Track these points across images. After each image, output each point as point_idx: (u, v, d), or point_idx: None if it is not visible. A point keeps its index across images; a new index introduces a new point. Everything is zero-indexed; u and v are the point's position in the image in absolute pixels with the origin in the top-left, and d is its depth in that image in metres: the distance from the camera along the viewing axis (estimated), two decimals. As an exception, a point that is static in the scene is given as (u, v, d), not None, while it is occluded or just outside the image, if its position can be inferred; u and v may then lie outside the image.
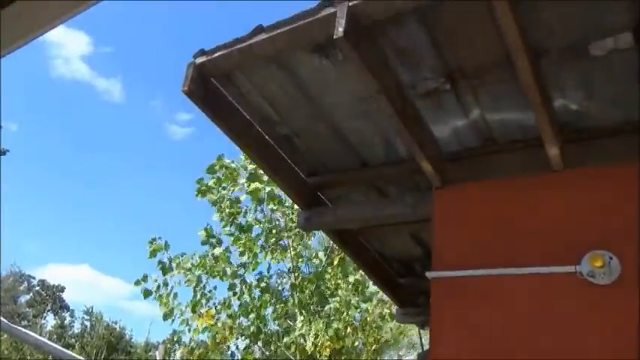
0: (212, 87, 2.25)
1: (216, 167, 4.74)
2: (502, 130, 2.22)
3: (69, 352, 4.55)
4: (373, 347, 3.88)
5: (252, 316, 4.28)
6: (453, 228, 2.25)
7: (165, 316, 4.48)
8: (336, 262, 4.39)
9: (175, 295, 4.70)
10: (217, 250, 4.73)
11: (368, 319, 3.97)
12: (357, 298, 4.09)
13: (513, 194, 2.18)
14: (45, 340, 4.13)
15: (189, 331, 4.42)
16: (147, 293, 4.87)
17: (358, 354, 4.01)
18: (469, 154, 2.34)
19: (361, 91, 2.09)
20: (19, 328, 3.52)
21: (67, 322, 28.89)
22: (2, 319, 3.44)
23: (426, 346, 3.22)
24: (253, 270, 4.52)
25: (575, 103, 2.02)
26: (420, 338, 3.79)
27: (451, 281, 2.15)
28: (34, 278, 34.60)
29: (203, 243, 4.84)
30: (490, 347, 1.99)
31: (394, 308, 4.08)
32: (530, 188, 2.16)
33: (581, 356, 1.82)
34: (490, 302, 2.06)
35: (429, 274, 2.21)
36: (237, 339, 4.54)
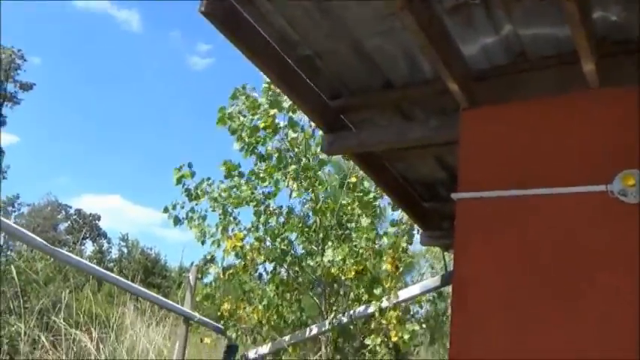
0: (230, 7, 2.17)
1: (238, 94, 4.69)
2: (534, 46, 2.11)
3: (109, 273, 4.82)
4: (401, 269, 3.98)
5: (278, 240, 4.40)
6: (480, 149, 2.21)
7: (198, 239, 4.63)
8: (352, 188, 4.40)
9: (204, 217, 4.82)
10: (239, 181, 4.77)
11: (392, 242, 4.05)
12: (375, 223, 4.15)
13: (544, 114, 2.11)
14: (86, 262, 4.38)
15: (222, 251, 4.56)
16: (176, 220, 5.00)
17: (381, 278, 4.13)
18: (499, 72, 2.25)
19: (384, 6, 1.99)
20: (61, 250, 3.73)
21: (104, 248, 30.41)
22: (45, 243, 3.64)
23: (450, 268, 3.29)
24: (275, 196, 4.58)
25: (614, 14, 1.89)
26: (444, 260, 3.87)
27: (477, 203, 2.14)
28: (70, 207, 36.08)
29: (226, 177, 4.88)
30: (515, 268, 2.01)
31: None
32: (562, 107, 2.09)
33: (607, 269, 1.83)
34: (517, 223, 2.06)
35: (454, 196, 2.20)
36: (264, 262, 4.70)
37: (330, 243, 4.12)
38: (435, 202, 3.42)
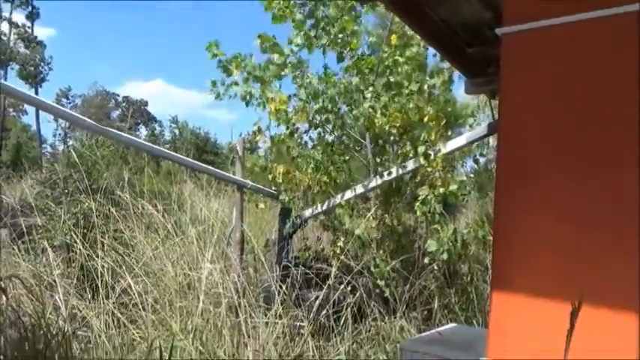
0: None
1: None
2: None
3: (163, 149, 5.04)
4: (443, 121, 3.91)
5: (319, 99, 4.35)
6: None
7: (243, 98, 4.63)
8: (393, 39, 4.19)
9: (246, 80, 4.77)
10: (279, 49, 4.64)
11: (434, 92, 3.92)
12: (417, 73, 3.99)
13: None
14: (139, 139, 4.56)
15: (267, 116, 4.58)
16: (217, 94, 5.01)
17: (427, 130, 4.09)
18: None
19: None
20: (111, 129, 3.90)
21: (157, 132, 31.58)
22: (95, 123, 3.80)
23: (497, 116, 3.19)
24: (309, 52, 4.44)
25: None
26: (491, 108, 3.76)
27: (523, 37, 1.98)
28: (118, 95, 37.02)
29: (262, 51, 4.74)
30: (564, 108, 1.90)
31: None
32: None
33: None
34: (567, 54, 1.90)
35: (499, 31, 2.04)
36: (310, 129, 4.74)
37: (370, 90, 4.02)
38: (480, 46, 3.22)
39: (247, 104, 4.66)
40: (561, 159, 1.88)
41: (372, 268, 4.25)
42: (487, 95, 3.64)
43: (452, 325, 3.25)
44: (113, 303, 3.41)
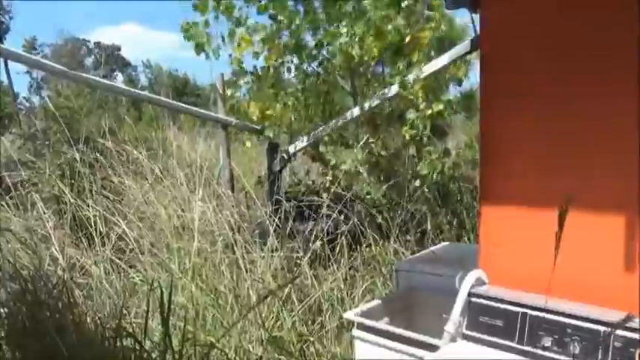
0: None
1: None
2: None
3: (139, 91, 4.91)
4: (426, 41, 3.81)
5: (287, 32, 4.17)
6: None
7: (197, 48, 4.39)
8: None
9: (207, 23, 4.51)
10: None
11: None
12: None
13: None
14: (112, 83, 4.44)
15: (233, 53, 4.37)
16: (189, 36, 4.71)
17: (406, 54, 3.99)
18: None
19: None
20: (84, 74, 3.78)
21: (133, 77, 30.72)
22: (65, 68, 3.67)
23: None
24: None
25: None
26: (472, 22, 3.64)
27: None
28: (88, 41, 35.57)
29: None
30: (549, 18, 1.84)
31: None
32: None
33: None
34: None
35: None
36: (284, 58, 4.58)
37: (343, 24, 3.88)
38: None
39: (207, 57, 4.40)
40: (544, 72, 1.85)
41: (364, 196, 4.31)
42: (469, 10, 3.52)
43: (444, 244, 3.35)
44: (110, 250, 3.46)
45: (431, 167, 4.17)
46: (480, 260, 2.02)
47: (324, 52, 4.32)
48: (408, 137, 4.31)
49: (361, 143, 4.79)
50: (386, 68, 4.57)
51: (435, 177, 4.35)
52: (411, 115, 4.15)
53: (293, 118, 4.80)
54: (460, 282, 1.95)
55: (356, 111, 4.43)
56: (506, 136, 1.94)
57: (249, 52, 4.36)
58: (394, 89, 4.14)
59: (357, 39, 3.69)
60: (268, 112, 4.69)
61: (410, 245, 4.02)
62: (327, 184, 4.49)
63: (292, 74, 4.84)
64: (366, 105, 4.29)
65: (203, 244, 3.35)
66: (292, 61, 4.53)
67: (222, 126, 4.70)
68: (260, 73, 4.67)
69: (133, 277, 3.44)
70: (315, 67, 4.67)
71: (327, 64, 4.61)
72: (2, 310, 2.71)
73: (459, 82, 4.69)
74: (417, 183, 4.47)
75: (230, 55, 4.45)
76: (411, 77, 3.77)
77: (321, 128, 4.66)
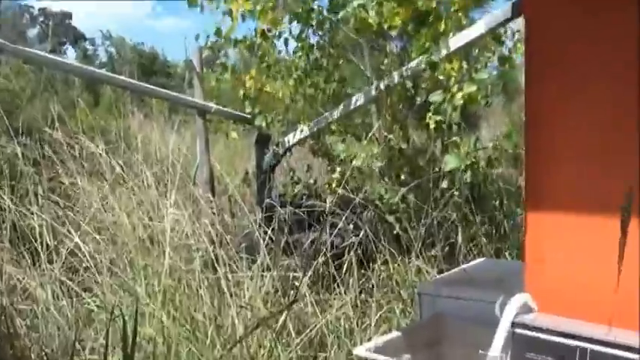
0: None
1: None
2: None
3: (102, 71, 4.92)
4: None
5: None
6: None
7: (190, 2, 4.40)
8: None
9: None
10: None
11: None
12: None
13: None
14: (73, 62, 4.44)
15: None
16: None
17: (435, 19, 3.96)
18: None
19: None
20: (26, 49, 3.77)
21: (89, 52, 30.73)
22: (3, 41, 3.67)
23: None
24: None
25: None
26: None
27: None
28: (32, 8, 35.65)
29: None
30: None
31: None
32: None
33: None
34: None
35: None
36: (281, 28, 4.59)
37: None
38: None
39: (201, 9, 4.42)
40: (607, 39, 1.83)
41: (378, 201, 4.30)
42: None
43: (480, 260, 3.34)
44: (60, 268, 3.45)
45: (460, 162, 4.15)
46: (525, 281, 2.00)
47: (334, 19, 4.31)
48: (432, 125, 4.29)
49: (374, 131, 4.77)
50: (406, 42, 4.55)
51: (466, 176, 4.33)
52: (435, 97, 4.13)
53: (290, 100, 4.78)
54: (501, 309, 1.93)
55: (370, 93, 4.42)
56: (558, 123, 1.92)
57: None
58: (413, 64, 4.12)
59: (375, 2, 3.68)
60: (267, 90, 4.67)
61: (436, 262, 4.02)
62: (333, 185, 4.48)
63: (291, 48, 4.85)
64: (383, 85, 4.27)
65: (176, 261, 3.34)
66: (291, 31, 4.53)
67: (200, 113, 4.70)
68: (249, 43, 4.65)
69: (89, 303, 3.44)
70: (321, 37, 4.66)
71: (335, 33, 4.60)
72: None
73: (504, 62, 4.64)
74: (445, 184, 4.46)
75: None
76: (439, 53, 3.76)
77: (327, 114, 4.65)
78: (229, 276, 3.25)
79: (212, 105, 4.71)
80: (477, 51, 5.31)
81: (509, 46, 5.08)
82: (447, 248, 4.25)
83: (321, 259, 3.58)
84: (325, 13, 4.42)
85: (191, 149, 5.27)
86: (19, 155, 4.15)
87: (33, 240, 3.58)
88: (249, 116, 4.91)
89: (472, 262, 3.26)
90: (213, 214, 3.91)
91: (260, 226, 3.75)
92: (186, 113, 7.53)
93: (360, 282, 3.68)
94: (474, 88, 3.93)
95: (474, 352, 2.01)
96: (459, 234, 4.24)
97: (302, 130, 4.76)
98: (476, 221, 4.49)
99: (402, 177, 4.73)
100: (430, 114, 4.28)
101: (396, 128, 4.99)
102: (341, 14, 4.03)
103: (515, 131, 5.03)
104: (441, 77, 4.04)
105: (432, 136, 4.74)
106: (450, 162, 4.14)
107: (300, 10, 4.31)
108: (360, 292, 3.65)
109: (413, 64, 4.14)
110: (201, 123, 4.71)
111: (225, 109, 4.94)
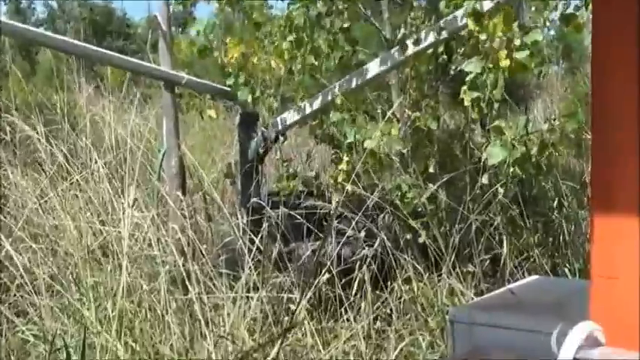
0: None
1: None
2: None
3: (40, 30, 4.92)
4: None
5: None
6: None
7: None
8: None
9: None
10: None
11: None
12: None
13: None
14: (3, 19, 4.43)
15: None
16: None
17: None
18: None
19: None
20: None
21: (23, 5, 30.71)
22: None
23: None
24: None
25: None
26: None
27: None
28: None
29: None
30: None
31: None
32: None
33: None
34: None
35: None
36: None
37: None
38: None
39: None
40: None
41: (399, 200, 4.28)
42: None
43: (531, 278, 3.33)
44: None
45: (506, 153, 4.13)
46: (591, 305, 1.99)
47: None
48: (467, 102, 4.26)
49: (394, 109, 4.75)
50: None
51: (514, 168, 4.32)
52: (470, 66, 4.10)
53: (285, 69, 4.78)
54: (559, 341, 1.93)
55: (390, 59, 4.41)
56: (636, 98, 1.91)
57: None
58: (450, 18, 4.11)
59: None
60: (254, 59, 4.69)
61: (474, 280, 4.01)
62: (340, 180, 4.46)
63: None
64: (410, 45, 4.24)
65: (136, 277, 3.34)
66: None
67: (168, 85, 4.69)
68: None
69: (23, 331, 3.44)
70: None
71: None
72: None
73: (567, 20, 4.59)
74: (486, 179, 4.45)
75: None
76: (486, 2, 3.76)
77: (332, 86, 4.63)
78: (204, 298, 3.26)
79: (183, 75, 4.70)
80: (532, 7, 5.28)
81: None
82: (488, 262, 4.24)
83: (324, 277, 3.58)
84: None
85: (156, 132, 5.27)
86: None
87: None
88: (230, 89, 4.90)
89: (521, 281, 3.25)
90: (184, 217, 3.92)
91: (245, 232, 3.75)
92: (150, 86, 7.55)
93: (375, 306, 3.68)
94: (525, 53, 3.91)
95: (524, 397, 2.00)
96: (505, 244, 4.21)
97: (300, 108, 4.75)
98: (527, 227, 4.47)
99: (431, 169, 4.70)
100: (465, 87, 4.26)
101: (423, 105, 4.96)
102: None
103: (581, 108, 5.00)
104: (482, 37, 3.99)
105: (470, 116, 4.71)
106: (494, 154, 4.11)
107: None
108: (375, 319, 3.65)
109: (449, 18, 4.12)
110: (168, 98, 4.70)
111: (200, 80, 4.93)
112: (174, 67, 4.77)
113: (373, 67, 4.51)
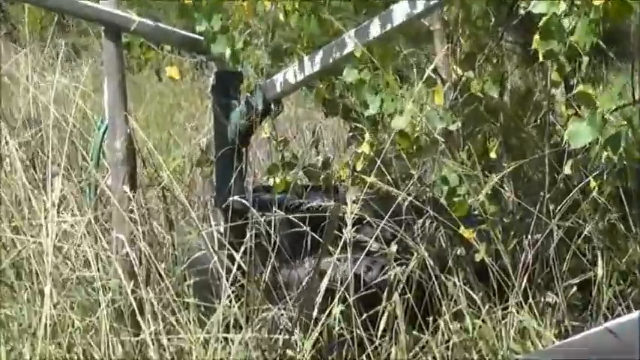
0: None
1: None
2: None
3: None
4: None
5: None
6: None
7: None
8: None
9: None
10: None
11: None
12: None
13: None
14: None
15: None
16: None
17: None
18: None
19: None
20: None
21: None
22: None
23: None
24: None
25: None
26: None
27: None
28: None
29: None
30: None
31: None
32: None
33: None
34: None
35: None
36: None
37: None
38: None
39: None
40: None
41: (444, 199, 4.26)
42: None
43: (638, 312, 3.31)
44: None
45: (597, 131, 4.08)
46: None
47: None
48: (542, 56, 4.23)
49: (436, 65, 4.73)
50: None
51: (610, 153, 4.29)
52: (541, 5, 4.05)
53: (280, 11, 4.77)
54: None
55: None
56: None
57: None
58: None
59: None
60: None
61: (555, 315, 4.01)
62: (359, 168, 4.44)
63: None
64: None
65: (64, 309, 3.34)
66: None
67: (110, 31, 4.65)
68: None
69: None
70: None
71: None
72: None
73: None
74: (568, 169, 4.42)
75: None
76: None
77: (346, 35, 4.59)
78: (163, 339, 3.25)
79: (133, 17, 4.66)
80: None
81: None
82: (575, 289, 4.23)
83: (336, 309, 3.57)
84: None
85: (93, 99, 5.27)
86: None
87: None
88: (201, 38, 4.88)
89: (624, 317, 3.22)
90: (134, 222, 3.89)
91: (222, 245, 3.74)
92: (85, 32, 7.56)
93: (412, 353, 3.67)
94: None
95: None
96: (600, 262, 4.20)
97: (301, 67, 4.71)
98: (633, 238, 4.45)
99: (492, 154, 4.68)
100: (537, 35, 4.24)
101: (479, 62, 4.95)
102: None
103: None
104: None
105: (548, 78, 4.68)
106: (579, 134, 4.06)
107: None
108: (412, 372, 3.65)
109: None
110: (112, 51, 4.66)
111: (158, 24, 4.90)
112: (120, 6, 4.74)
113: (405, 9, 4.46)
